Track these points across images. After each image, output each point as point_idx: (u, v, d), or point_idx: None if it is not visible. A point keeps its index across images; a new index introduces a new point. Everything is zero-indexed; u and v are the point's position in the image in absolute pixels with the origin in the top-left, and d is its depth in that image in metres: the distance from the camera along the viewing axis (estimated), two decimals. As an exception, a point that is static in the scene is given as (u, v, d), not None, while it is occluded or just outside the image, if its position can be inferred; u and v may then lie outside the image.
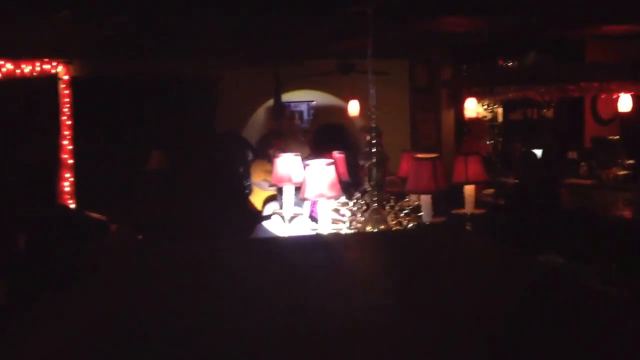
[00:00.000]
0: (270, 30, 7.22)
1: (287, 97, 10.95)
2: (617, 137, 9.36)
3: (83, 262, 4.33)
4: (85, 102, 9.66)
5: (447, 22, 7.14)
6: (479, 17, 6.97)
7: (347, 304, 1.42)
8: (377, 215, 3.85)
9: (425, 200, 4.00)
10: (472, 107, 10.12)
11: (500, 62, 9.96)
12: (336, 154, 4.48)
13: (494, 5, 6.31)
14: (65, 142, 9.71)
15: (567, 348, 1.16)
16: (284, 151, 4.39)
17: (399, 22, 6.64)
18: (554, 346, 1.16)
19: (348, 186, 4.28)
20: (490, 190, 8.76)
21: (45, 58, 9.48)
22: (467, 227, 4.24)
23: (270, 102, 10.56)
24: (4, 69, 9.12)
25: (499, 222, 6.02)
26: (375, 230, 3.76)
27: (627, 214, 7.54)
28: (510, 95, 9.75)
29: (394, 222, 3.86)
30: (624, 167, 8.61)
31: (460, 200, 4.38)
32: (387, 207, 3.89)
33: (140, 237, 6.09)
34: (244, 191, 7.10)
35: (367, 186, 3.93)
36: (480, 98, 10.23)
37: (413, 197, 4.05)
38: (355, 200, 3.91)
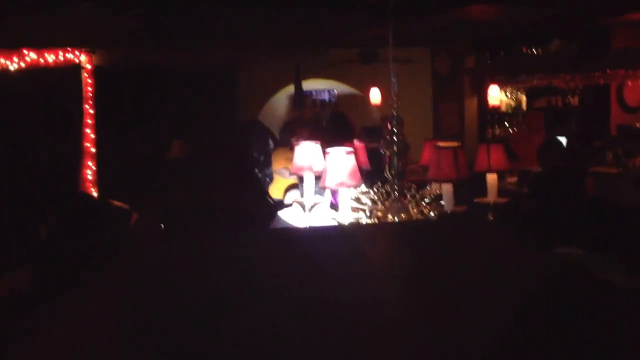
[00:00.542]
0: (291, 21, 7.20)
1: (308, 85, 10.92)
2: (644, 124, 9.25)
3: (105, 250, 4.35)
4: (107, 92, 9.73)
5: (471, 11, 7.07)
6: (503, 6, 6.88)
7: (363, 295, 1.40)
8: (398, 204, 3.82)
9: (447, 188, 3.97)
10: (496, 95, 10.02)
11: (524, 50, 9.85)
12: (356, 142, 4.46)
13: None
14: (88, 131, 9.78)
15: (583, 344, 1.13)
16: (306, 139, 4.36)
17: (422, 11, 6.59)
18: (569, 342, 1.13)
19: (369, 175, 4.26)
20: (514, 179, 8.68)
21: (69, 48, 9.54)
22: (489, 216, 4.21)
23: (291, 90, 10.54)
24: (27, 59, 9.18)
25: (522, 210, 5.96)
26: (396, 219, 3.74)
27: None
28: (535, 82, 9.65)
29: (415, 210, 3.83)
30: (651, 156, 8.49)
31: (483, 188, 4.34)
32: (409, 196, 3.86)
33: (162, 225, 6.11)
34: (262, 181, 7.12)
35: (387, 175, 3.91)
36: (503, 86, 10.13)
37: (435, 185, 4.03)
38: (376, 189, 3.89)
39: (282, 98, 11.11)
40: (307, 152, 4.04)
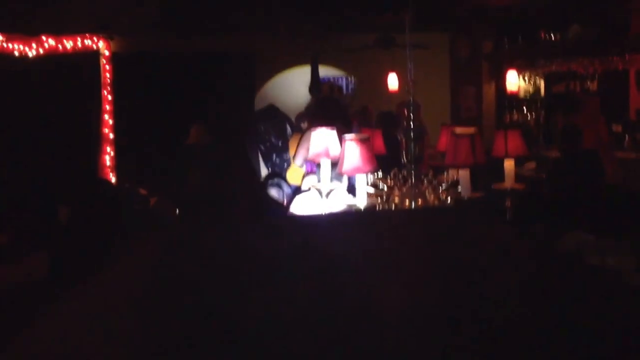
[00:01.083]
0: (309, 5, 7.19)
1: (326, 72, 10.89)
2: (663, 109, 9.15)
3: (123, 235, 4.39)
4: (126, 78, 9.77)
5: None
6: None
7: (374, 284, 1.41)
8: (414, 190, 3.82)
9: (464, 174, 3.96)
10: (514, 81, 9.95)
11: (543, 35, 9.77)
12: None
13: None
14: (106, 117, 9.83)
15: (587, 336, 1.13)
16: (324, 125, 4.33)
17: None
18: (571, 335, 1.13)
19: (386, 160, 4.25)
20: (532, 164, 8.64)
21: (87, 34, 9.59)
22: (507, 203, 4.18)
23: (309, 76, 10.52)
24: (46, 45, 9.24)
25: (540, 196, 5.93)
26: (412, 206, 3.74)
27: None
28: (553, 67, 9.57)
29: (433, 196, 3.82)
30: (671, 141, 8.42)
31: (501, 174, 4.32)
32: (425, 182, 3.86)
33: (179, 210, 6.15)
34: (280, 166, 7.12)
35: (404, 160, 3.90)
36: (521, 71, 10.06)
37: (452, 171, 4.01)
38: (392, 175, 3.89)
39: (299, 85, 11.09)
40: (324, 138, 4.03)
